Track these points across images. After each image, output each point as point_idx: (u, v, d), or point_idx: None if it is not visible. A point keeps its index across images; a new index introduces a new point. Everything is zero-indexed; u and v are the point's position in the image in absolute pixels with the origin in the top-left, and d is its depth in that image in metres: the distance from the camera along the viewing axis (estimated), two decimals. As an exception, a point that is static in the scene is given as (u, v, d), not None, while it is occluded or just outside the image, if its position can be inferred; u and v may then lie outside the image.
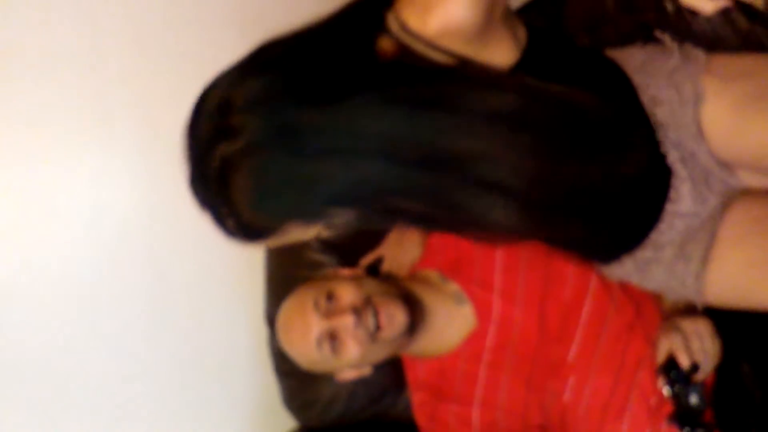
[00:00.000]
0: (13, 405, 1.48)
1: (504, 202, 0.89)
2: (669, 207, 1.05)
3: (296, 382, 1.50)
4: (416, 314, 1.22)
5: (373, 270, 1.36)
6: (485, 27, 0.89)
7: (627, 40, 1.13)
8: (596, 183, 0.97)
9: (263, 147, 0.84)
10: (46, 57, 1.45)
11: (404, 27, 0.89)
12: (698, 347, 1.15)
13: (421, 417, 1.31)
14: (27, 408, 1.49)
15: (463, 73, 0.90)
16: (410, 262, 1.37)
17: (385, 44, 0.90)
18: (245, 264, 1.59)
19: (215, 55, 1.50)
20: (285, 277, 1.44)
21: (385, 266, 1.38)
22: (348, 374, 1.27)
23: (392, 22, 0.90)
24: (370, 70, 0.88)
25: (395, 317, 1.19)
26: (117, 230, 1.55)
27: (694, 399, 1.15)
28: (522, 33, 0.99)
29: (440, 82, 0.88)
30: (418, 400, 1.32)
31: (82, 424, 1.52)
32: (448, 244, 1.34)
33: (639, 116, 1.04)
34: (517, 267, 1.29)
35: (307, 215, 0.88)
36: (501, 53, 0.95)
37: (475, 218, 0.91)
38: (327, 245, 1.44)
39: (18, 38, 1.43)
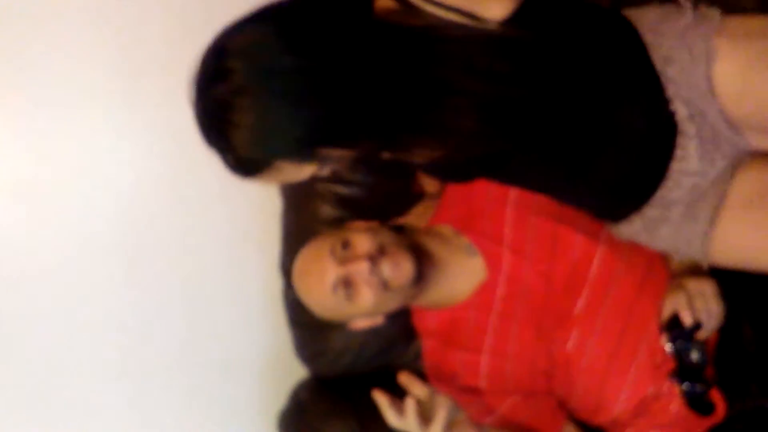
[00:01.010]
0: (20, 400, 1.54)
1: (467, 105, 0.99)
2: (675, 165, 1.08)
3: (308, 332, 1.53)
4: (424, 265, 1.26)
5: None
6: None
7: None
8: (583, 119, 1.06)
9: (251, 88, 0.94)
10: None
11: None
12: (702, 306, 1.18)
13: (429, 363, 1.35)
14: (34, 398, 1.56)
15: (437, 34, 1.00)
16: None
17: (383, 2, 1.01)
18: (262, 217, 1.61)
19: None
20: (301, 230, 1.46)
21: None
22: (361, 323, 1.31)
23: None
24: (359, 27, 0.98)
25: (402, 266, 1.22)
26: (137, 185, 1.58)
27: (695, 356, 1.19)
28: None
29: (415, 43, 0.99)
30: (428, 346, 1.36)
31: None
32: (459, 199, 1.37)
33: (646, 72, 1.07)
34: (526, 223, 1.32)
35: (295, 154, 0.97)
36: (496, 4, 1.02)
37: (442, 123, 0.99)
38: (344, 202, 1.46)
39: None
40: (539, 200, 1.28)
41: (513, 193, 1.33)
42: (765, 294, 1.29)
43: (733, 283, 1.23)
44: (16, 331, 1.52)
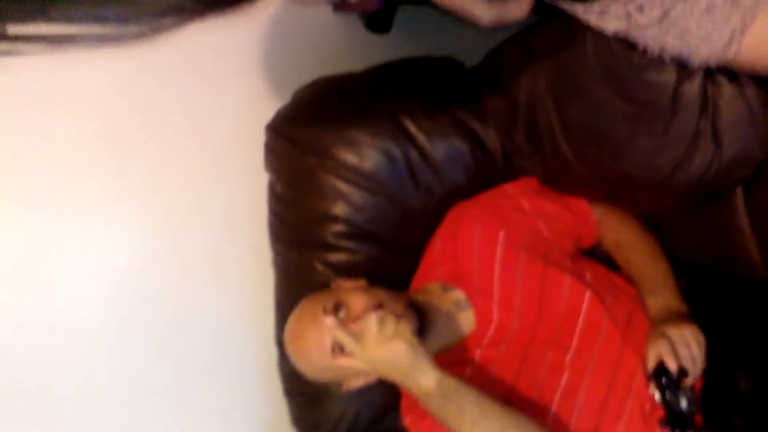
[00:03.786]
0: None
1: None
2: None
3: (305, 402, 1.55)
4: (423, 321, 1.28)
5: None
6: None
7: None
8: None
9: None
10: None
11: None
12: (685, 353, 1.20)
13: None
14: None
15: None
16: None
17: None
18: (255, 293, 1.65)
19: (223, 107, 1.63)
20: (293, 300, 1.51)
21: None
22: (356, 382, 1.30)
23: None
24: None
25: (405, 320, 1.22)
26: (128, 265, 1.62)
27: (684, 403, 1.21)
28: None
29: None
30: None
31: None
32: (447, 257, 1.42)
33: None
34: (514, 278, 1.36)
35: None
36: None
37: None
38: (332, 266, 1.50)
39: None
40: (527, 241, 1.33)
41: (500, 248, 1.38)
42: (759, 339, 1.31)
43: (722, 328, 1.27)
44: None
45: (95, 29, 0.71)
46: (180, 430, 1.64)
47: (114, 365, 1.61)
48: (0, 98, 1.44)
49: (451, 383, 1.18)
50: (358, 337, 1.17)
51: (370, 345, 1.17)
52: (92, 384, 1.59)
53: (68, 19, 0.71)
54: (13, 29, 0.70)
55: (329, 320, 1.20)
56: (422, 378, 1.17)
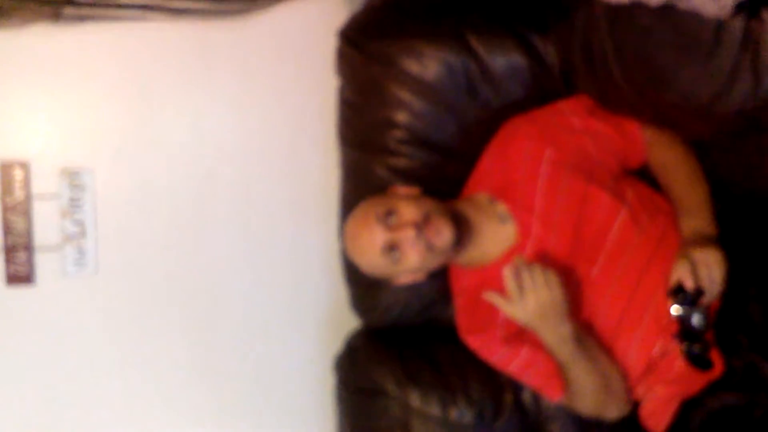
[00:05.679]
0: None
1: None
2: None
3: (361, 289, 1.73)
4: (463, 231, 1.41)
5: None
6: None
7: None
8: None
9: None
10: None
11: None
12: (705, 275, 1.29)
13: (460, 318, 1.52)
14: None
15: None
16: None
17: None
18: (323, 188, 1.82)
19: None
20: (356, 198, 1.64)
21: None
22: (404, 278, 1.47)
23: None
24: None
25: (444, 232, 1.37)
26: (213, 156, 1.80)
27: (696, 320, 1.30)
28: None
29: None
30: (459, 304, 1.53)
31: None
32: (497, 168, 1.52)
33: None
34: (556, 194, 1.45)
35: None
36: None
37: None
38: (392, 169, 1.63)
39: None
40: (573, 159, 1.42)
41: (545, 165, 1.47)
42: None
43: (742, 254, 1.34)
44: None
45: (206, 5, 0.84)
46: (252, 304, 1.86)
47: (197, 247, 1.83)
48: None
49: (580, 330, 1.35)
50: (520, 291, 1.30)
51: (530, 295, 1.29)
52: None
53: None
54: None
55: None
56: (562, 327, 1.32)
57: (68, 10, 0.79)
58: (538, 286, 1.29)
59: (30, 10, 0.77)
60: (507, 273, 1.31)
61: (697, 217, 1.41)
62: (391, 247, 1.38)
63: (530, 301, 1.30)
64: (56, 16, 0.79)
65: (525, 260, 1.33)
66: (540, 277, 1.29)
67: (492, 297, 1.32)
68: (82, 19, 0.80)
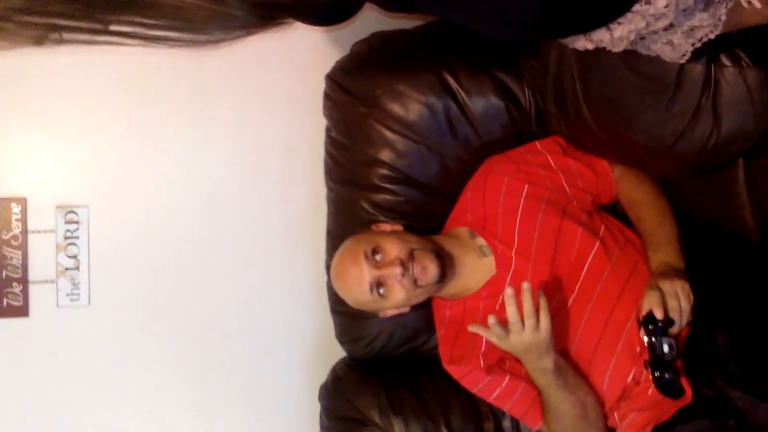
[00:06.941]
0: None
1: None
2: None
3: (347, 320, 1.78)
4: (446, 265, 1.47)
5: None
6: None
7: None
8: None
9: None
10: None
11: None
12: (674, 305, 1.35)
13: (444, 348, 1.57)
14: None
15: None
16: None
17: None
18: (314, 222, 1.88)
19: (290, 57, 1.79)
20: (342, 232, 1.70)
21: None
22: (390, 312, 1.53)
23: None
24: None
25: (429, 269, 1.44)
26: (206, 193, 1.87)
27: (666, 348, 1.36)
28: None
29: None
30: (442, 334, 1.58)
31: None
32: (476, 204, 1.59)
33: None
34: (533, 228, 1.52)
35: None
36: None
37: None
38: (377, 205, 1.69)
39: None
40: (549, 195, 1.49)
41: (523, 201, 1.54)
42: (741, 301, 1.41)
43: (713, 287, 1.39)
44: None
45: (179, 35, 0.94)
46: (242, 335, 1.91)
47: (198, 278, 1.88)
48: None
49: (561, 361, 1.40)
50: (507, 330, 1.32)
51: (515, 336, 1.31)
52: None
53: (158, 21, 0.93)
54: (114, 27, 0.92)
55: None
56: (545, 359, 1.36)
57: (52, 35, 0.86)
58: (527, 329, 1.31)
59: (8, 32, 0.84)
60: (509, 300, 1.30)
61: (664, 251, 1.48)
62: (378, 284, 1.44)
63: (517, 341, 1.32)
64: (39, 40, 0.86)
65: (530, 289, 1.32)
66: (532, 320, 1.31)
67: (476, 328, 1.36)
68: (60, 43, 0.88)
